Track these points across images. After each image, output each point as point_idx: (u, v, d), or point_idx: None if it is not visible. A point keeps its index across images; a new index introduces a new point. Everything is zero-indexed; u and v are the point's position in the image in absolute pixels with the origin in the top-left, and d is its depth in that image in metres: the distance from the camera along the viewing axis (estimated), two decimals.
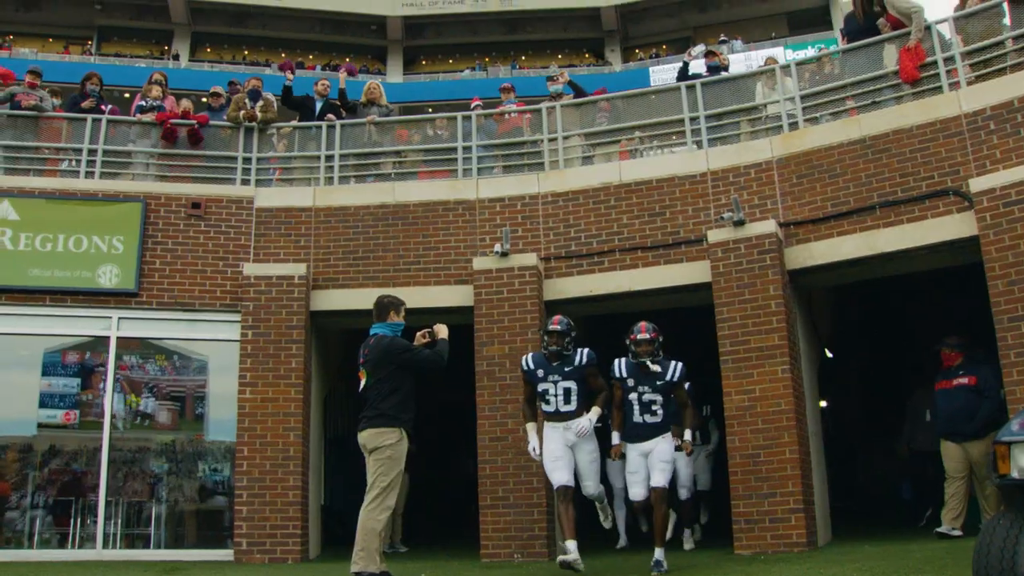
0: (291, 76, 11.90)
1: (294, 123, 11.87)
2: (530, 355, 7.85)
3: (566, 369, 7.51)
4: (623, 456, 7.91)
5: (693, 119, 10.63)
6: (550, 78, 12.11)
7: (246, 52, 42.56)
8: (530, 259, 10.22)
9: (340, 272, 10.70)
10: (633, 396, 7.69)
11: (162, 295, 10.44)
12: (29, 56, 37.86)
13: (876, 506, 12.81)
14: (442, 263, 10.66)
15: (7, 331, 10.26)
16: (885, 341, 13.56)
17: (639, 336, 7.68)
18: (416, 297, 9.67)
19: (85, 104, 11.50)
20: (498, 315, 10.06)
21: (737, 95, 10.81)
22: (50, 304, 10.31)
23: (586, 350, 7.59)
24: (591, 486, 7.66)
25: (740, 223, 9.48)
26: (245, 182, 11.11)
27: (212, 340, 10.58)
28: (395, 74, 41.11)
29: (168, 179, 11.12)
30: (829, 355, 12.70)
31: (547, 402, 7.59)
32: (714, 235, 9.65)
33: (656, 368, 7.61)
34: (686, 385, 7.92)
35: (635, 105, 11.55)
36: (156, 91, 11.71)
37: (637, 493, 7.74)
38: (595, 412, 7.54)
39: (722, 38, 37.64)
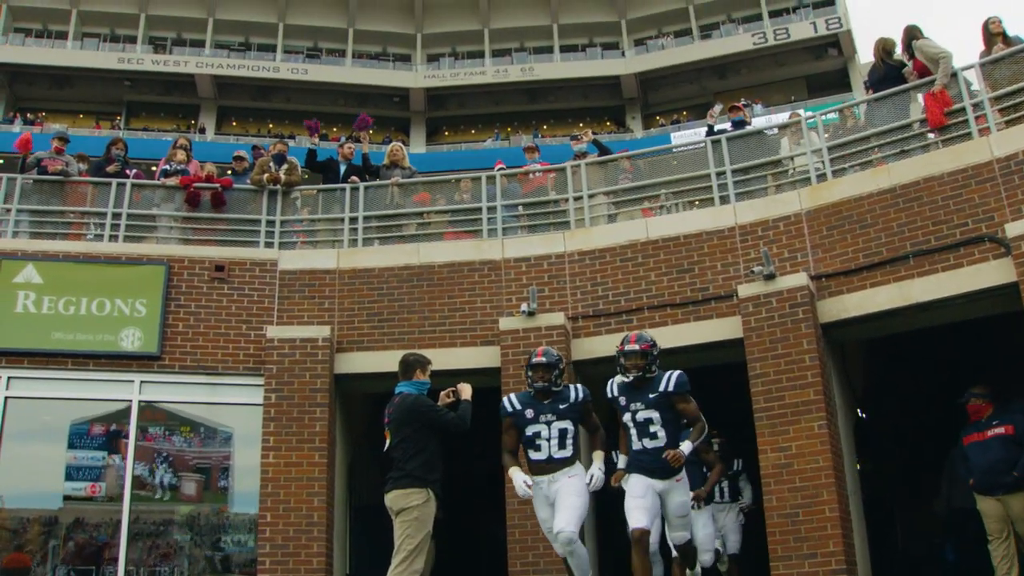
0: (316, 137, 11.92)
1: (318, 186, 11.87)
2: (512, 395, 6.93)
3: (561, 407, 6.59)
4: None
5: (719, 174, 10.52)
6: (574, 137, 12.14)
7: (271, 125, 43.07)
8: (557, 318, 10.07)
9: (365, 334, 10.59)
10: (627, 417, 6.55)
11: (185, 359, 10.34)
12: (60, 131, 38.46)
13: (919, 569, 12.39)
14: (468, 324, 10.53)
15: (29, 395, 10.16)
16: (921, 395, 13.23)
17: (627, 347, 6.60)
18: (442, 358, 9.47)
19: (110, 169, 11.58)
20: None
21: (762, 149, 10.72)
22: (72, 368, 10.22)
23: (579, 385, 6.79)
24: (563, 520, 6.32)
25: (771, 277, 9.32)
26: (269, 245, 11.09)
27: (235, 404, 10.44)
28: (418, 144, 41.41)
29: (192, 242, 11.11)
30: (862, 415, 12.40)
31: (537, 448, 6.58)
32: (744, 290, 9.48)
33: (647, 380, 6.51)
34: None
35: (659, 165, 11.52)
36: (181, 155, 11.79)
37: (639, 519, 6.32)
38: (599, 457, 6.63)
39: (743, 102, 37.72)
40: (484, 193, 11.20)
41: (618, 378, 6.71)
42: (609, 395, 6.71)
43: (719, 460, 9.22)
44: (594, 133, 37.95)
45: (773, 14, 41.68)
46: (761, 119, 34.64)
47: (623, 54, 42.37)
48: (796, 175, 10.46)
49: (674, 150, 11.95)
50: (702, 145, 11.09)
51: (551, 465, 6.50)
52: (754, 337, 9.29)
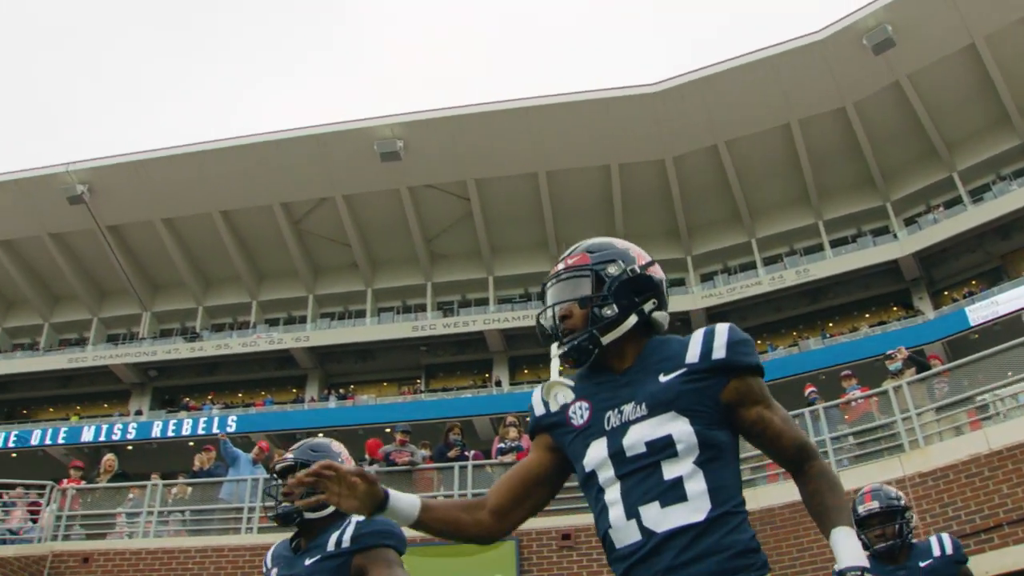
0: None
1: None
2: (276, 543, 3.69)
3: (307, 563, 3.35)
4: None
5: None
6: (888, 356, 12.02)
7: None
8: None
9: None
10: (595, 454, 2.39)
11: None
12: (369, 402, 41.82)
13: None
14: (818, 563, 10.39)
15: None
16: None
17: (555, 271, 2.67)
18: None
19: (451, 454, 12.53)
20: None
21: None
22: None
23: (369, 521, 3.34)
24: None
25: None
26: None
27: None
28: None
29: (536, 515, 11.67)
30: None
31: None
32: None
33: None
34: None
35: (982, 365, 11.22)
36: (513, 432, 12.64)
37: None
38: None
39: None
40: (810, 428, 11.25)
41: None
42: (538, 411, 2.65)
43: None
44: (882, 322, 37.07)
45: None
46: None
47: (895, 236, 41.42)
48: None
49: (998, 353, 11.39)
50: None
51: None
52: None
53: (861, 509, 4.54)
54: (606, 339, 2.46)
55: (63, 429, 42.20)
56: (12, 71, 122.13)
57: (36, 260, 47.14)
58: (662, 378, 2.36)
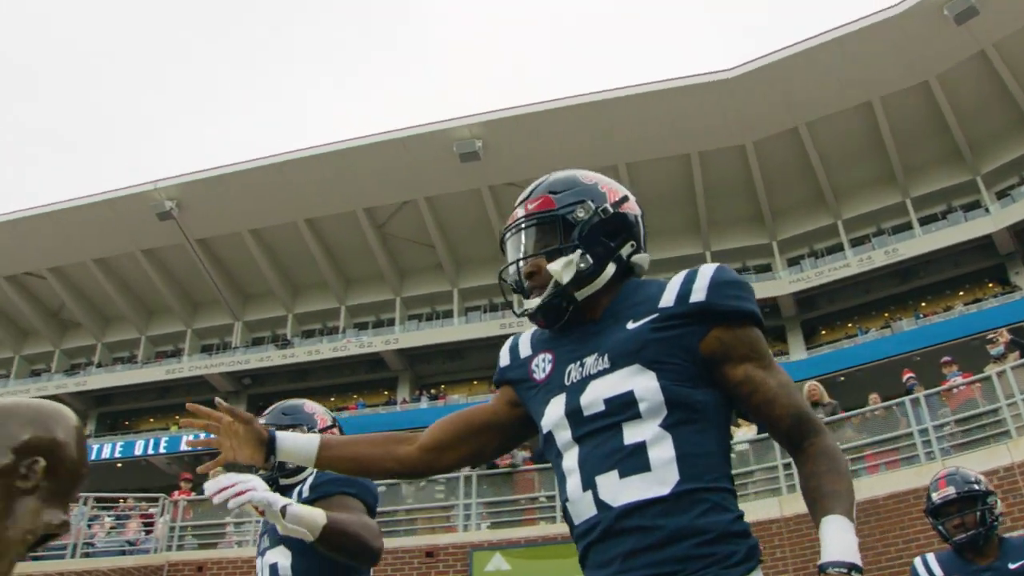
0: None
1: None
2: None
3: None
4: None
5: None
6: (989, 341, 11.77)
7: None
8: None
9: None
10: (554, 411, 2.06)
11: None
12: (460, 401, 42.29)
13: None
14: (912, 549, 10.26)
15: None
16: None
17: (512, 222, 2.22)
18: None
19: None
20: None
21: None
22: None
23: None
24: None
25: None
26: None
27: None
28: (798, 351, 40.89)
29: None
30: None
31: None
32: None
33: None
34: None
35: None
36: None
37: None
38: (311, 513, 2.69)
39: None
40: (911, 417, 11.10)
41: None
42: (502, 362, 2.42)
43: None
44: (977, 299, 36.15)
45: None
46: None
47: (987, 211, 40.18)
48: None
49: None
50: None
51: None
52: None
53: (936, 496, 3.92)
54: (581, 294, 2.09)
55: (164, 438, 43.34)
56: (81, 91, 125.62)
57: (130, 276, 48.43)
58: (630, 325, 2.01)
